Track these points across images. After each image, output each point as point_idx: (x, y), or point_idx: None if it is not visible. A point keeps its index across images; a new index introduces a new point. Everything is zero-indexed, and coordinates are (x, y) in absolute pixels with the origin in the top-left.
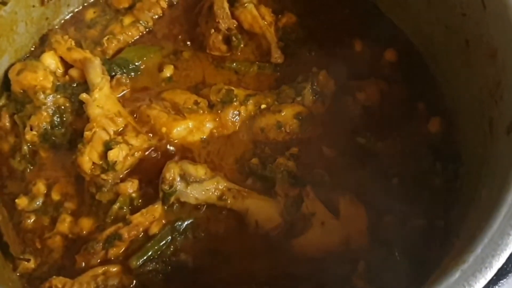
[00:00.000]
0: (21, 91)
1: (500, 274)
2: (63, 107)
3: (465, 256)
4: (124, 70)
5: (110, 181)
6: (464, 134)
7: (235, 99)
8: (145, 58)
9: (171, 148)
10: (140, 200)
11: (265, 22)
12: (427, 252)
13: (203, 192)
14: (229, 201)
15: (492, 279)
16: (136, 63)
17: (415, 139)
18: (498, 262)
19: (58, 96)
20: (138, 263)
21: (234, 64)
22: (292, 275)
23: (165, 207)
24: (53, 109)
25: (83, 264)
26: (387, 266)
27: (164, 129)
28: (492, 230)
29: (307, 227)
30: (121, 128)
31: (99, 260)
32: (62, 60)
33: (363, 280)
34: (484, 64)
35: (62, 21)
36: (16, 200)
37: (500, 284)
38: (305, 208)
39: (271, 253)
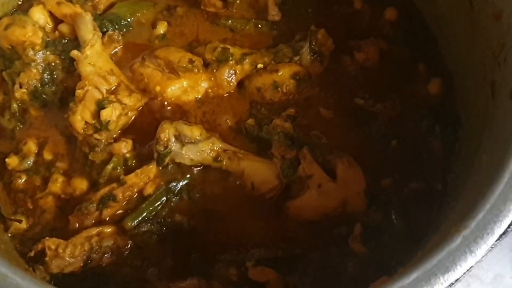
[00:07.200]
0: (9, 47)
1: None
2: (53, 64)
3: (466, 221)
4: (116, 26)
5: (103, 141)
6: (465, 97)
7: (231, 58)
8: (137, 14)
9: (166, 107)
10: (134, 161)
11: None
12: (424, 215)
13: (198, 153)
14: (224, 163)
15: None
16: (129, 19)
17: (415, 101)
18: (500, 228)
19: (48, 52)
20: (133, 224)
21: (230, 21)
22: (288, 238)
23: (160, 168)
24: (43, 66)
25: (77, 225)
26: (384, 228)
27: (158, 88)
28: (494, 195)
29: (304, 190)
30: (114, 87)
31: (93, 221)
32: (51, 15)
33: (359, 243)
34: (489, 25)
35: None
36: (7, 160)
37: (493, 246)
38: (302, 170)
39: (267, 215)
